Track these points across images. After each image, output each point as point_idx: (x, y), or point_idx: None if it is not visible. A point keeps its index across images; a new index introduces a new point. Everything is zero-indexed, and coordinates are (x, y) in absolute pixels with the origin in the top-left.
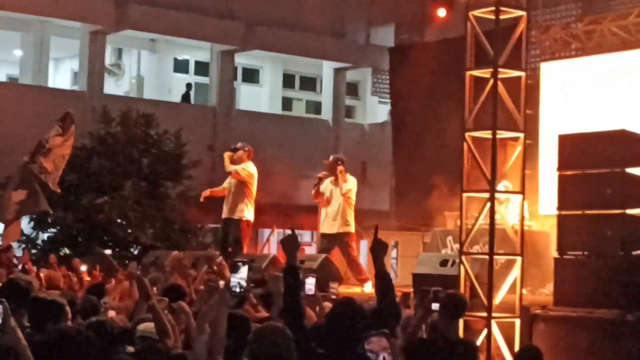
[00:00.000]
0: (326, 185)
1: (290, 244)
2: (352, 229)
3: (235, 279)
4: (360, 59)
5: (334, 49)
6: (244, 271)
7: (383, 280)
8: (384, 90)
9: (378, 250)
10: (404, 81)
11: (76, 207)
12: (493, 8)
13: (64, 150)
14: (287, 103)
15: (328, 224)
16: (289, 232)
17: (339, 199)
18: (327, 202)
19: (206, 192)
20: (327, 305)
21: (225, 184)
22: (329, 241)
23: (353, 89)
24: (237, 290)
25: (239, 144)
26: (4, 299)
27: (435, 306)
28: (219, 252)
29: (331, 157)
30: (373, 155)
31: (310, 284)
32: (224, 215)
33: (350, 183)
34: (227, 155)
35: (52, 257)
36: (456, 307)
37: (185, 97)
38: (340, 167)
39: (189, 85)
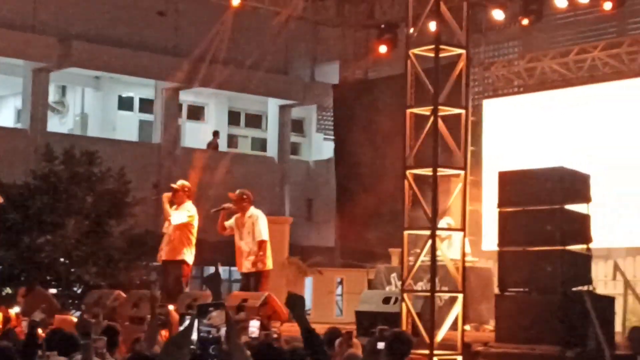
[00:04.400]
0: (233, 220)
1: (214, 282)
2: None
3: (204, 326)
4: (305, 96)
5: (279, 86)
6: (214, 316)
7: (307, 341)
8: (328, 127)
9: (293, 304)
10: (347, 118)
11: (18, 246)
12: (433, 46)
13: None
14: (232, 140)
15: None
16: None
17: (248, 236)
18: (238, 239)
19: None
20: None
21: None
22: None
23: (298, 126)
24: (209, 337)
25: (178, 184)
26: None
27: (380, 345)
28: (161, 295)
29: (237, 191)
30: (319, 192)
31: (253, 326)
32: (163, 257)
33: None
34: (165, 197)
35: None
36: (402, 346)
37: (214, 145)
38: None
39: (216, 133)
